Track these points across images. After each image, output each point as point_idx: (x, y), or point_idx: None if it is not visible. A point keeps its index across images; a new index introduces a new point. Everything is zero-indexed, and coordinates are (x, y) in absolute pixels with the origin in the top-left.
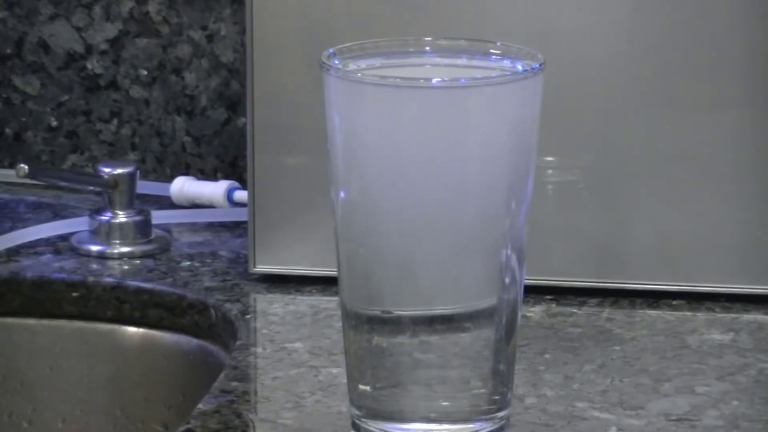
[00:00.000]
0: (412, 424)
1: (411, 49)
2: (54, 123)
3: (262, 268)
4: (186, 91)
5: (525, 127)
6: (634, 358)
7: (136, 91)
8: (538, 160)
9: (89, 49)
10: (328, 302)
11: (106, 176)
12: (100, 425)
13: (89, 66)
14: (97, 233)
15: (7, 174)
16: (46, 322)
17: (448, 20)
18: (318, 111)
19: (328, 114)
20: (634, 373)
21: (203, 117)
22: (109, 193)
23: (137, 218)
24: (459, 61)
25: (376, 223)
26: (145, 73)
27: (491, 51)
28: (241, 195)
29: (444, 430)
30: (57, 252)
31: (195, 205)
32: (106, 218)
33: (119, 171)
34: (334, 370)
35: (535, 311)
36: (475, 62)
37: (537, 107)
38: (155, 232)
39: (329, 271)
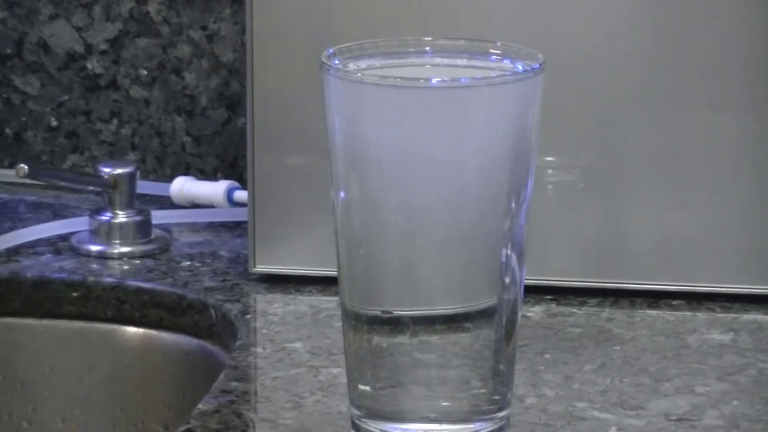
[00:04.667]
0: (412, 424)
1: (411, 49)
2: (54, 123)
3: (262, 268)
4: (186, 91)
5: (525, 126)
6: (634, 358)
7: (136, 91)
8: (538, 160)
9: (89, 49)
10: (328, 302)
11: (106, 176)
12: (100, 425)
13: (89, 66)
14: (97, 233)
15: (7, 174)
16: (46, 322)
17: (448, 20)
18: (318, 111)
19: (328, 114)
20: (634, 373)
21: (203, 117)
22: (109, 193)
23: (137, 218)
24: (459, 61)
25: (376, 223)
26: (145, 73)
27: (491, 51)
28: (241, 195)
29: (444, 430)
30: (57, 252)
31: (195, 205)
32: (106, 218)
33: (119, 171)
34: (334, 370)
35: (535, 311)
36: (475, 62)
37: (537, 107)
38: (155, 232)
39: (329, 271)
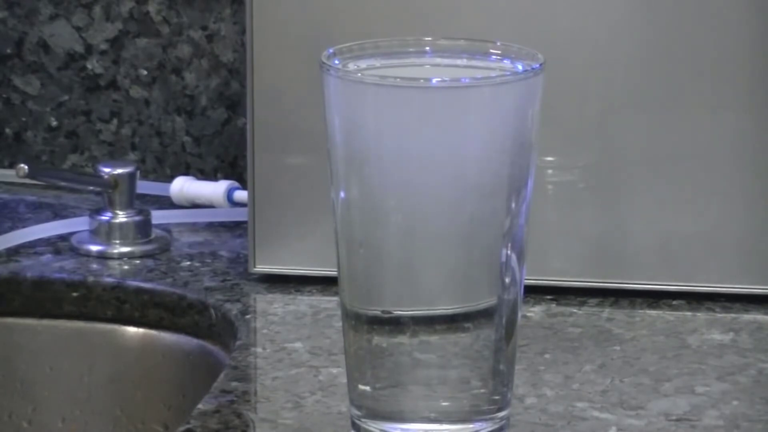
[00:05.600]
0: (412, 424)
1: (411, 49)
2: (54, 123)
3: (262, 268)
4: (186, 91)
5: (525, 127)
6: (634, 358)
7: (136, 91)
8: (538, 160)
9: (89, 49)
10: (328, 302)
11: (106, 176)
12: (100, 425)
13: (89, 66)
14: (97, 233)
15: (7, 174)
16: (46, 322)
17: (448, 20)
18: (318, 111)
19: (328, 114)
20: (634, 373)
21: (203, 117)
22: (109, 193)
23: (137, 218)
24: (459, 61)
25: (376, 223)
26: (145, 73)
27: (491, 51)
28: (241, 195)
29: (444, 430)
30: (57, 252)
31: (195, 205)
32: (106, 218)
33: (119, 171)
34: (334, 370)
35: (535, 311)
36: (475, 62)
37: (537, 107)
38: (155, 232)
39: (329, 271)
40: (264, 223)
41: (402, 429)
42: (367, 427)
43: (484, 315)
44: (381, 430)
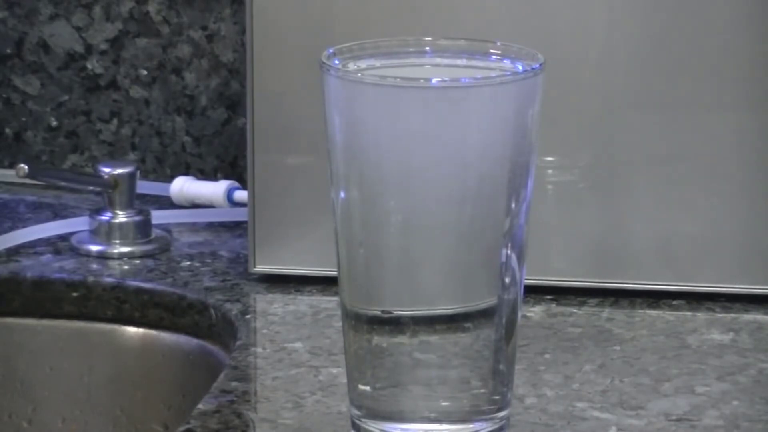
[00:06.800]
0: (412, 424)
1: (411, 49)
2: (54, 123)
3: (262, 268)
4: (186, 91)
5: (525, 127)
6: (634, 358)
7: (136, 91)
8: (538, 160)
9: (89, 49)
10: (328, 302)
11: (106, 176)
12: (100, 425)
13: (89, 66)
14: (97, 233)
15: (7, 174)
16: (46, 322)
17: (448, 20)
18: (318, 111)
19: (328, 114)
20: (634, 373)
21: (203, 117)
22: (109, 193)
23: (137, 218)
24: (459, 61)
25: (376, 223)
26: (145, 73)
27: (491, 51)
28: (241, 195)
29: (444, 430)
30: (57, 252)
31: (195, 205)
32: (106, 218)
33: (119, 171)
34: (334, 370)
35: (535, 311)
36: (475, 62)
37: (537, 107)
38: (155, 232)
39: (329, 271)
40: (264, 223)
41: (402, 429)
42: (367, 427)
43: (484, 315)
44: (381, 430)
